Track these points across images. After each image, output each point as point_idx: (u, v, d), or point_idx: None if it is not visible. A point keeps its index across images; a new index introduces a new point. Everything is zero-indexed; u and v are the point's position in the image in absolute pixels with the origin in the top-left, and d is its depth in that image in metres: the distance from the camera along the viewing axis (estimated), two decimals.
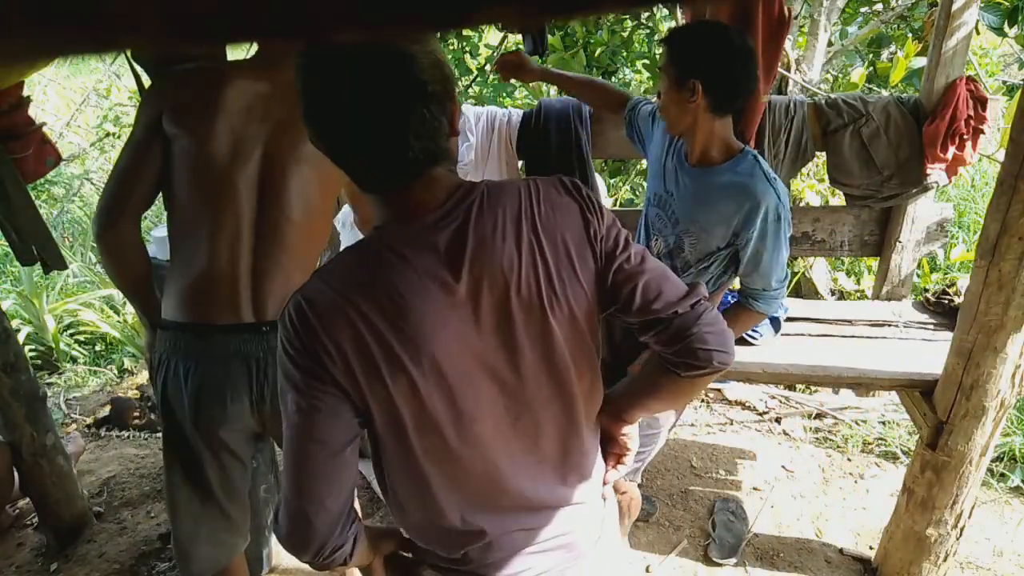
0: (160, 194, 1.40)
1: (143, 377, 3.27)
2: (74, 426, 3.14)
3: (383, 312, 0.81)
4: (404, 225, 0.83)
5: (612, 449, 1.08)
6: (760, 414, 2.96)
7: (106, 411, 3.13)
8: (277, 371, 1.42)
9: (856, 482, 2.54)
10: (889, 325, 2.28)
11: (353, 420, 0.85)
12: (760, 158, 1.55)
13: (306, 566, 2.25)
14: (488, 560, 0.97)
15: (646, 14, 3.45)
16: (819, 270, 3.40)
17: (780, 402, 3.01)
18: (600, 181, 2.85)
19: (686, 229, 1.63)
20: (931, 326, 2.26)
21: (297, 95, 0.78)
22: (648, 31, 3.82)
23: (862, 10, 3.81)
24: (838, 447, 2.73)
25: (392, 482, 0.93)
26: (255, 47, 1.39)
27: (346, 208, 2.39)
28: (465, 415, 0.87)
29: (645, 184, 2.11)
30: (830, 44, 3.63)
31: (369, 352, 0.81)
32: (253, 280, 1.36)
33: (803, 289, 3.47)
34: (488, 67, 3.90)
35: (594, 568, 1.05)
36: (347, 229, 2.38)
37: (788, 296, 2.95)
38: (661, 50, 1.53)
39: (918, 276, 3.11)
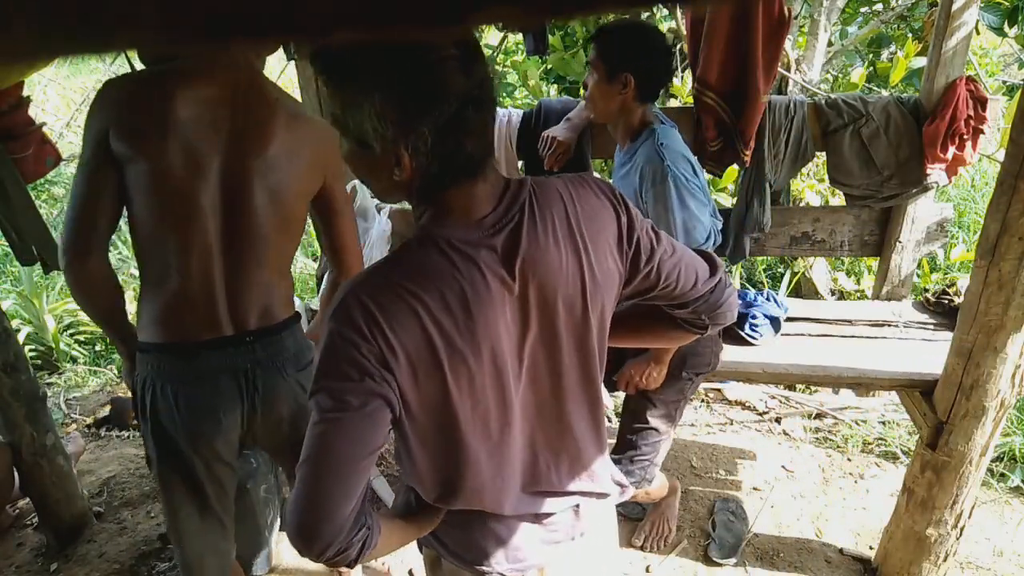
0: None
1: None
2: (74, 426, 3.14)
3: (450, 310, 0.83)
4: (464, 226, 0.85)
5: None
6: (760, 414, 2.96)
7: (106, 411, 3.14)
8: (269, 378, 1.37)
9: (856, 482, 2.54)
10: (889, 325, 2.28)
11: (387, 428, 0.85)
12: (660, 129, 1.70)
13: (306, 567, 2.26)
14: (497, 542, 1.04)
15: (646, 14, 3.45)
16: (819, 270, 3.40)
17: (780, 402, 3.01)
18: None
19: None
20: (931, 326, 2.26)
21: (371, 98, 0.77)
22: None
23: (862, 10, 3.80)
24: (838, 447, 2.73)
25: (424, 476, 0.95)
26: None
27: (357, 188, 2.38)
28: (508, 407, 0.92)
29: None
30: (830, 44, 3.63)
31: (434, 350, 0.83)
32: (229, 292, 1.32)
33: (803, 289, 3.47)
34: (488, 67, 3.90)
35: (578, 558, 1.12)
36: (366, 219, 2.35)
37: (788, 296, 2.96)
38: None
39: (918, 276, 3.11)
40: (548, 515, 1.05)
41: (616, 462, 1.93)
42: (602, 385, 1.06)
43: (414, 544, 1.12)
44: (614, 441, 2.01)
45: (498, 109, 2.37)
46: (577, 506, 1.07)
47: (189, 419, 1.34)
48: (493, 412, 0.91)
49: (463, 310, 0.83)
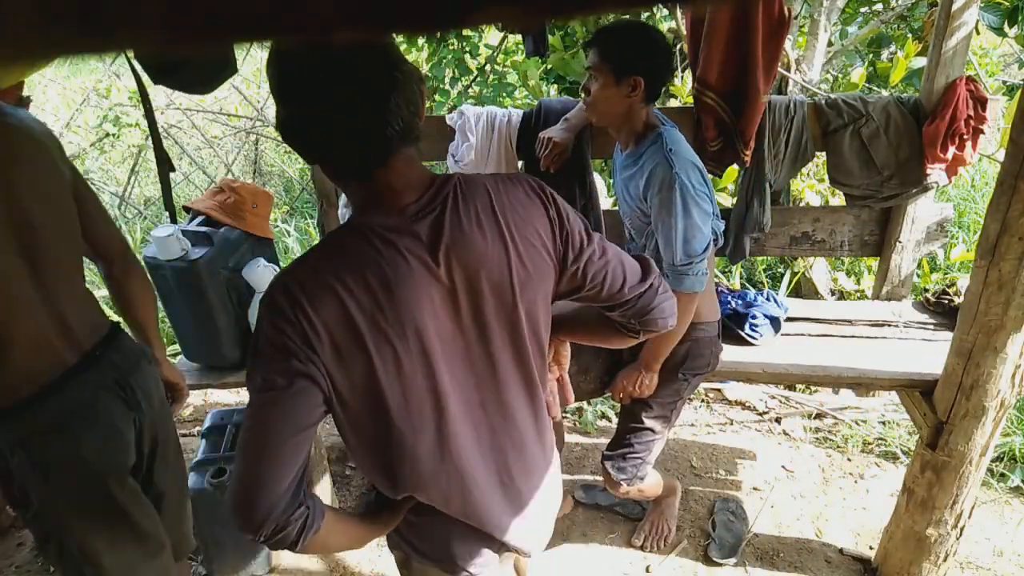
0: None
1: None
2: None
3: (370, 289, 0.86)
4: (386, 215, 0.90)
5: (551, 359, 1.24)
6: (760, 414, 2.96)
7: None
8: (137, 377, 1.37)
9: (856, 482, 2.54)
10: (889, 325, 2.28)
11: (320, 406, 0.88)
12: (667, 133, 1.66)
13: (306, 566, 2.25)
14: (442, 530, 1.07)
15: (646, 14, 3.45)
16: (819, 270, 3.40)
17: (780, 402, 3.01)
18: (600, 181, 2.85)
19: (624, 211, 1.81)
20: (931, 326, 2.26)
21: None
22: None
23: (862, 10, 3.80)
24: (838, 447, 2.73)
25: (364, 463, 1.00)
26: None
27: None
28: (441, 392, 0.94)
29: None
30: (830, 44, 3.63)
31: (356, 328, 0.86)
32: (60, 328, 1.29)
33: (803, 289, 3.47)
34: (488, 67, 3.90)
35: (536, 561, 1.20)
36: None
37: (788, 296, 2.96)
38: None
39: (918, 276, 3.11)
40: (506, 515, 1.07)
41: (609, 459, 1.94)
42: (544, 382, 1.09)
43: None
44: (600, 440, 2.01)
45: (498, 109, 2.38)
46: (530, 508, 1.10)
47: (99, 452, 1.30)
48: (426, 398, 0.93)
49: (384, 290, 0.87)
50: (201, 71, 1.76)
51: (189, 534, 1.68)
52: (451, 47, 3.77)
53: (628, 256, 1.08)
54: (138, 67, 1.68)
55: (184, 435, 3.08)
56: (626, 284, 1.05)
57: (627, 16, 1.97)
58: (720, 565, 2.17)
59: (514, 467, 1.06)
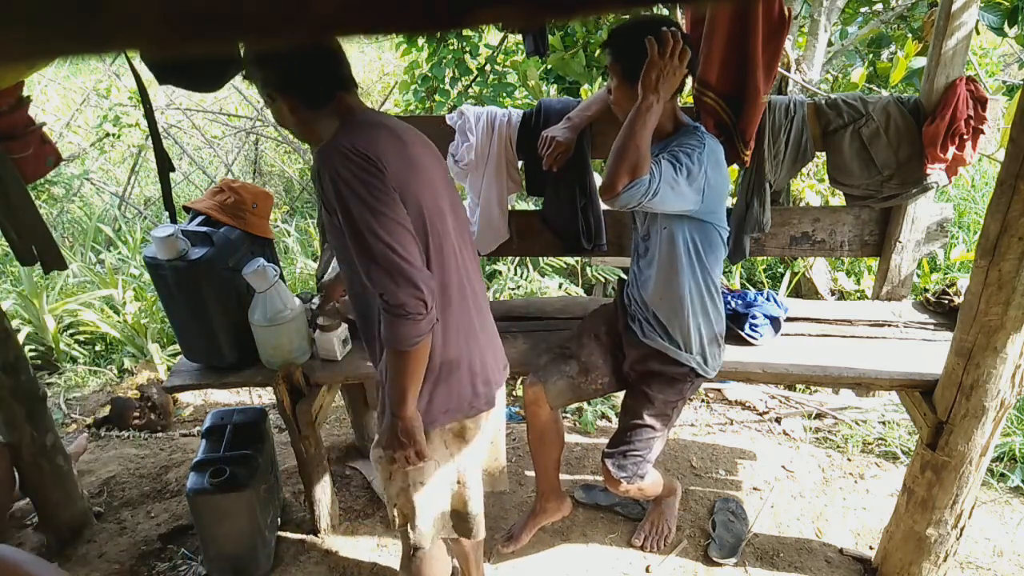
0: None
1: (143, 377, 3.26)
2: (74, 426, 3.14)
3: (396, 145, 1.35)
4: (367, 112, 1.40)
5: None
6: (760, 414, 2.96)
7: (106, 411, 3.13)
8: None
9: (856, 482, 2.54)
10: (889, 325, 2.28)
11: (405, 209, 1.31)
12: (703, 130, 1.73)
13: (307, 567, 2.24)
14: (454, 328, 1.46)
15: (646, 14, 3.44)
16: (819, 270, 3.40)
17: (780, 402, 3.01)
18: (600, 181, 2.85)
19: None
20: (931, 326, 2.26)
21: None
22: None
23: (862, 10, 3.80)
24: (838, 447, 2.73)
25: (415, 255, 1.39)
26: None
27: None
28: (442, 216, 1.41)
29: None
30: (830, 44, 3.63)
31: (400, 163, 1.33)
32: None
33: (803, 289, 3.47)
34: (488, 67, 3.90)
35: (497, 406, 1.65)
36: None
37: (788, 296, 2.96)
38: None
39: (918, 276, 3.11)
40: (490, 347, 1.56)
41: (610, 456, 1.93)
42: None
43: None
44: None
45: (498, 109, 2.38)
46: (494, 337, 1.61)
47: None
48: (439, 213, 1.40)
49: (402, 146, 1.36)
50: (208, 69, 1.76)
51: None
52: (451, 47, 3.77)
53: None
54: (139, 67, 1.68)
55: (184, 435, 3.09)
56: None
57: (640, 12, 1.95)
58: (720, 565, 2.17)
59: (478, 287, 1.53)
